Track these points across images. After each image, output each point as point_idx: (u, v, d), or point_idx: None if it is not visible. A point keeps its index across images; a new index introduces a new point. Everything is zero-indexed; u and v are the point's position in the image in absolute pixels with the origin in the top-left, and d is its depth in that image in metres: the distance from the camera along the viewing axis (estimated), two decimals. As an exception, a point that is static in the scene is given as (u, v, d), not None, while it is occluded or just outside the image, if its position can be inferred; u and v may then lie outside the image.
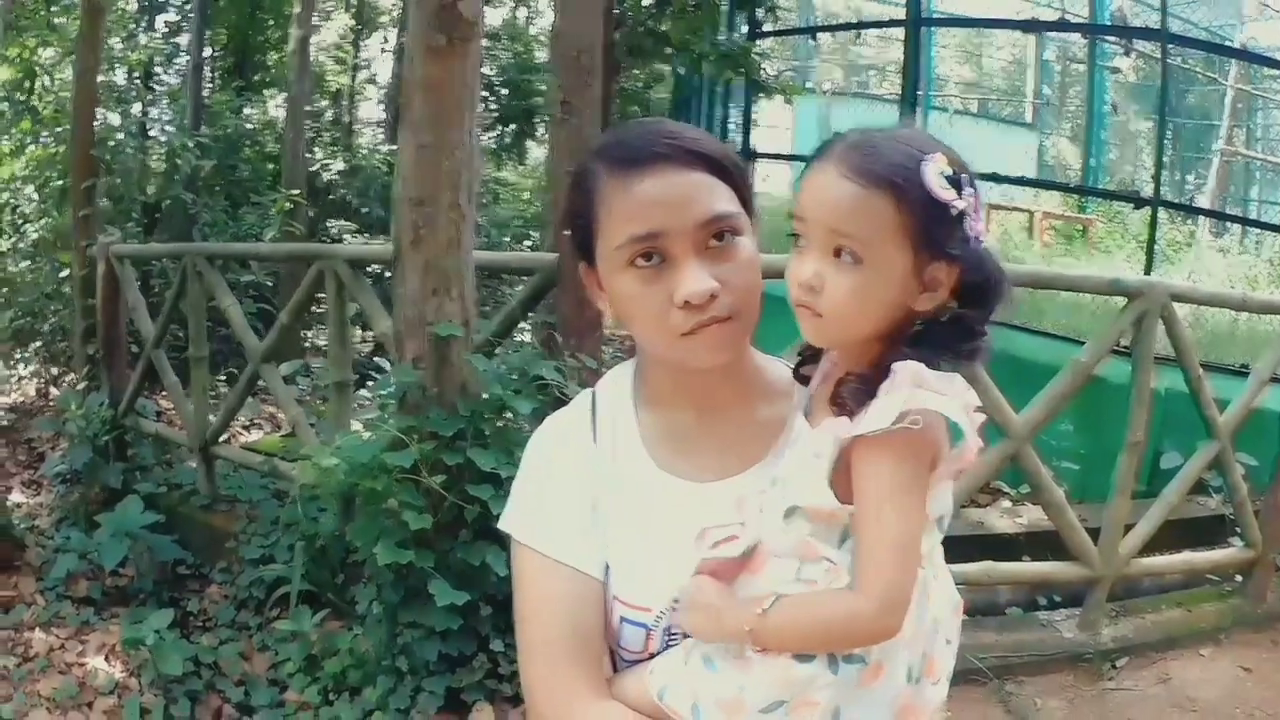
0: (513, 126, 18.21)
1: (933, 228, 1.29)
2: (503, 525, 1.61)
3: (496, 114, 18.08)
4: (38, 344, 10.58)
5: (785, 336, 1.55)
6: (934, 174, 1.28)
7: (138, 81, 12.90)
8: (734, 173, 1.45)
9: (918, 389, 1.27)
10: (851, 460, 1.30)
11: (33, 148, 10.43)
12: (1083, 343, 5.38)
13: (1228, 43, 13.24)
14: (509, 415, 4.46)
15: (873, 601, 1.27)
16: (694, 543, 1.43)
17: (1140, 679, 4.92)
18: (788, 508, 1.35)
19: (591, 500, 1.54)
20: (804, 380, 1.51)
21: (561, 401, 4.16)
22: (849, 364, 1.37)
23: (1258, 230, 13.08)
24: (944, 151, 1.31)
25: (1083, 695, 4.79)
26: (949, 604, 1.44)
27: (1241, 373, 6.44)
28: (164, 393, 8.05)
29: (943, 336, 1.34)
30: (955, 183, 1.29)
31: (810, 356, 1.50)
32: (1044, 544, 5.38)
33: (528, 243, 14.53)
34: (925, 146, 1.31)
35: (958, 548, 5.29)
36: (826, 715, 1.31)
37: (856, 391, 1.31)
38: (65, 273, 9.44)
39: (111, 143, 10.27)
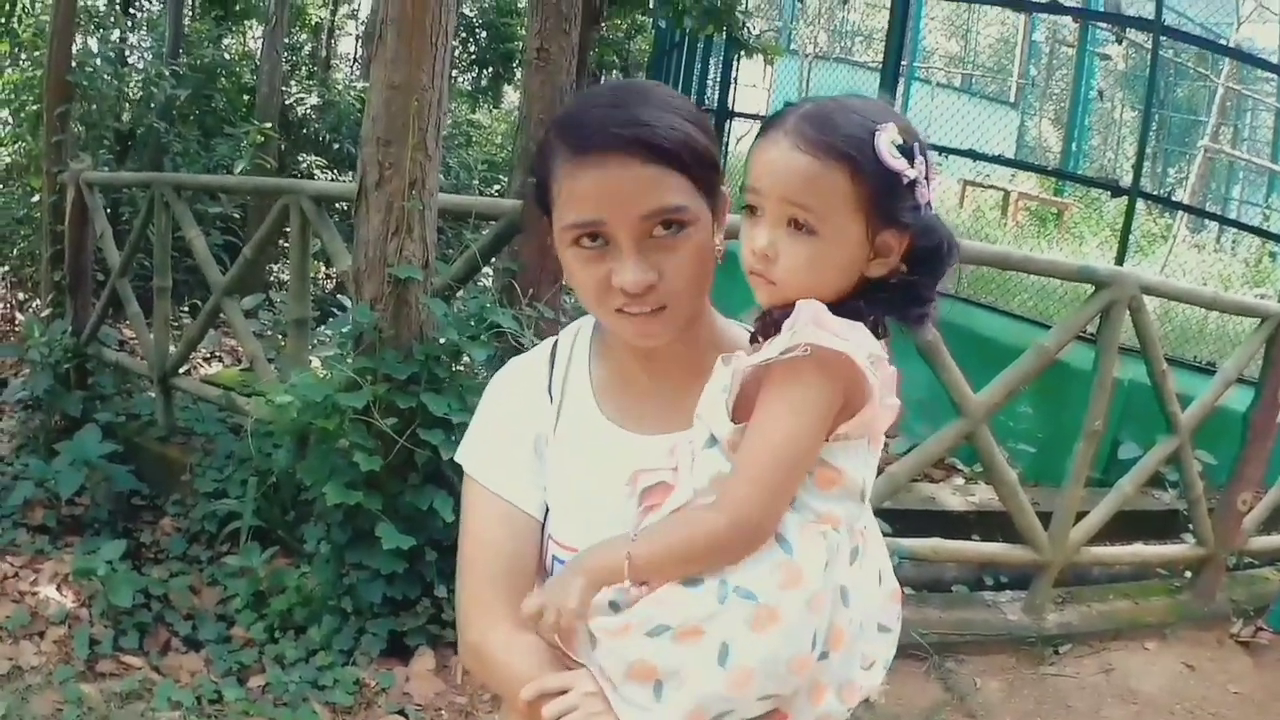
0: (490, 70, 18.17)
1: (885, 197, 1.32)
2: (457, 455, 1.68)
3: (474, 56, 17.99)
4: (5, 269, 10.52)
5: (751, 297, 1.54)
6: (886, 144, 1.30)
7: (117, 8, 12.72)
8: (690, 161, 1.42)
9: (814, 326, 1.29)
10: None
11: (10, 71, 10.28)
12: (1049, 326, 5.37)
13: (1221, 40, 13.20)
14: (465, 361, 4.45)
15: (725, 514, 1.31)
16: (625, 488, 1.45)
17: (1082, 667, 4.95)
18: (707, 438, 1.38)
19: (534, 442, 1.60)
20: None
21: (518, 350, 4.15)
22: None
23: (1235, 230, 13.11)
24: (896, 120, 1.34)
25: (1023, 678, 4.81)
26: (886, 590, 1.45)
27: (1208, 370, 6.46)
28: (127, 322, 7.97)
29: (890, 301, 1.38)
30: (907, 152, 1.32)
31: (766, 323, 1.49)
32: (994, 524, 5.41)
33: (496, 188, 14.47)
34: (878, 116, 1.33)
35: (908, 522, 5.28)
36: (713, 650, 1.30)
37: (768, 326, 1.36)
38: (36, 198, 9.32)
39: (89, 68, 10.09)
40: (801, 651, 1.31)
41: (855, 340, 1.30)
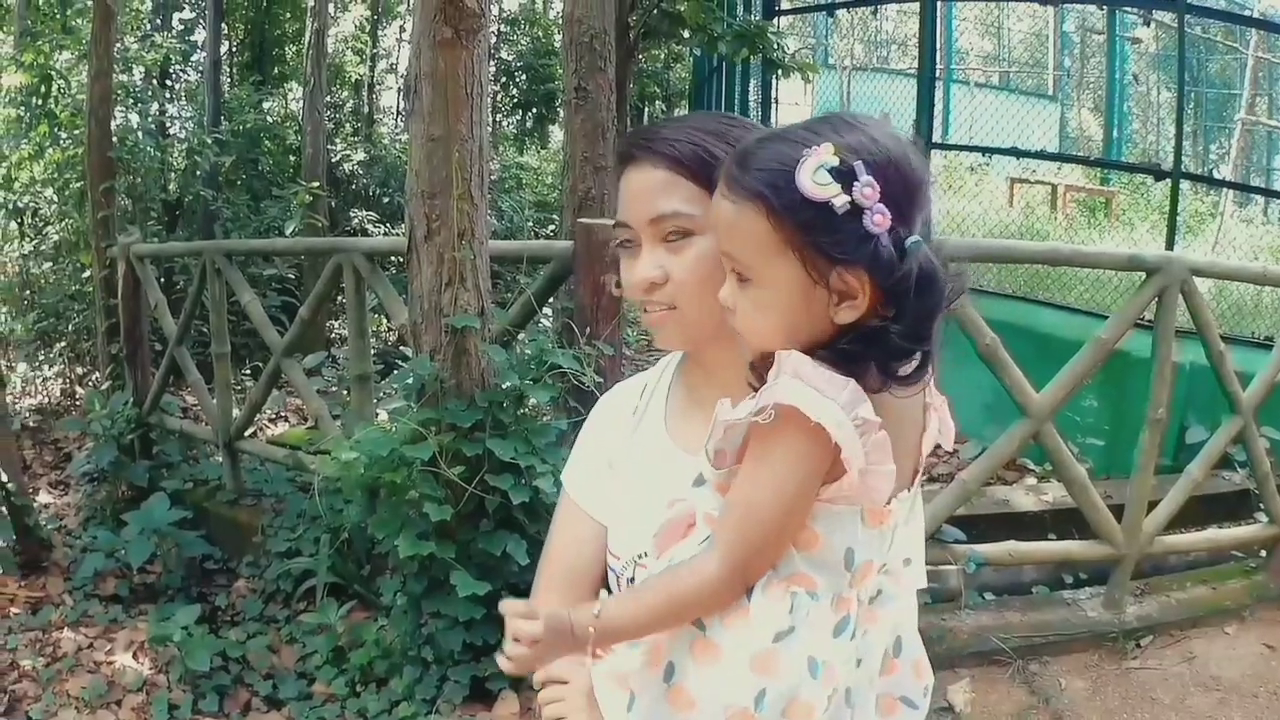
0: (533, 111, 18.30)
1: (817, 232, 1.18)
2: None
3: (516, 100, 18.13)
4: (62, 344, 10.69)
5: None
6: (808, 172, 1.17)
7: (154, 81, 12.94)
8: (704, 175, 1.43)
9: (792, 380, 1.20)
10: None
11: (51, 151, 10.48)
12: (1107, 317, 5.34)
13: (1246, 11, 13.11)
14: (530, 404, 4.47)
15: (713, 562, 1.27)
16: (665, 509, 1.47)
17: (1164, 658, 4.89)
18: (696, 476, 1.37)
19: (609, 458, 1.71)
20: None
21: (578, 390, 4.18)
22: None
23: (1280, 200, 12.98)
24: (837, 141, 1.19)
25: (1107, 674, 4.76)
26: (906, 660, 1.41)
27: (1266, 345, 6.38)
28: (188, 389, 8.08)
29: (854, 353, 1.22)
30: (845, 175, 1.17)
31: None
32: (1070, 521, 5.35)
33: (550, 228, 14.56)
34: (813, 139, 1.20)
35: (983, 527, 5.26)
36: (660, 668, 1.32)
37: (757, 374, 1.30)
38: (87, 273, 9.48)
39: (130, 142, 10.30)
40: (738, 703, 1.26)
41: (844, 399, 1.19)
